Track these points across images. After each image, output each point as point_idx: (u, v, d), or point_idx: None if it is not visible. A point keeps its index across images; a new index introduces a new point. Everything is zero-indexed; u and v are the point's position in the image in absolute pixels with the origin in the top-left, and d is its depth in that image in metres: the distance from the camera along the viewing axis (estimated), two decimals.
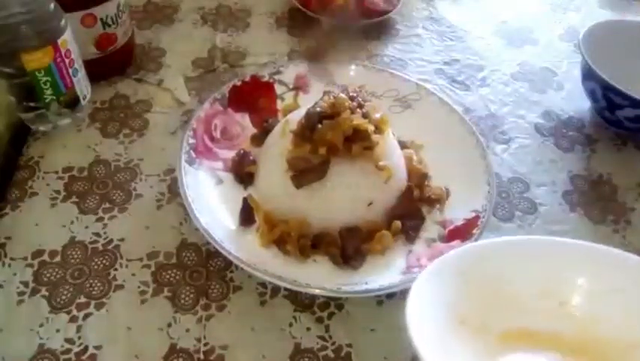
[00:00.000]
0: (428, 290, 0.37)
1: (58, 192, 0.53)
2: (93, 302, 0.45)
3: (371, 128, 0.48)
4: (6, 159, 0.56)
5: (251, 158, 0.54)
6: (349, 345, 0.44)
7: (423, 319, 0.34)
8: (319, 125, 0.47)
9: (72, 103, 0.56)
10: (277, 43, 0.71)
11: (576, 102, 0.67)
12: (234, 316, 0.45)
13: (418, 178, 0.53)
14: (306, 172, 0.47)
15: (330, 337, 0.44)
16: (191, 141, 0.53)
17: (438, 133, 0.56)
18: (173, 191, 0.53)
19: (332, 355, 0.43)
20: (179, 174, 0.49)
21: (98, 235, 0.50)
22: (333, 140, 0.46)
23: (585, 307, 0.39)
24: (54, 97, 0.54)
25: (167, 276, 0.47)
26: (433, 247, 0.49)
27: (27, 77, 0.51)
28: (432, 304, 0.37)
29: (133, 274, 0.47)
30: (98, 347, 0.43)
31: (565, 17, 0.80)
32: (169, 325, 0.44)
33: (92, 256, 0.48)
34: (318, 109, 0.48)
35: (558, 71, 0.71)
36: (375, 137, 0.48)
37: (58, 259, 0.48)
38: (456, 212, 0.51)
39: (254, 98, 0.59)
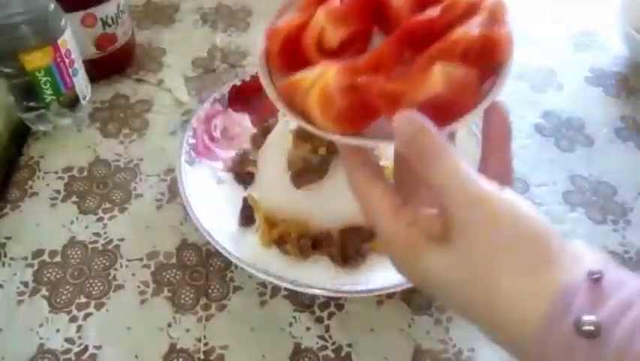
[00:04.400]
0: None
1: (58, 192, 0.53)
2: (93, 302, 0.45)
3: None
4: (6, 159, 0.56)
5: (251, 158, 0.54)
6: (349, 345, 0.44)
7: None
8: None
9: (72, 103, 0.56)
10: None
11: (576, 102, 0.67)
12: (234, 316, 0.45)
13: None
14: (306, 172, 0.47)
15: (330, 337, 0.44)
16: (191, 141, 0.53)
17: None
18: (173, 191, 0.53)
19: (332, 355, 0.43)
20: (179, 174, 0.49)
21: (98, 235, 0.50)
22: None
23: None
24: (54, 97, 0.54)
25: (167, 276, 0.47)
26: None
27: (27, 77, 0.51)
28: None
29: (133, 274, 0.47)
30: (98, 347, 0.43)
31: (566, 17, 0.80)
32: (169, 325, 0.44)
33: (92, 256, 0.48)
34: None
35: (558, 71, 0.71)
36: None
37: (58, 259, 0.48)
38: None
39: (254, 98, 0.59)
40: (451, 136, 0.29)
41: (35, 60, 0.50)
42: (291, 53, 0.32)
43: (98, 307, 0.45)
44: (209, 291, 0.46)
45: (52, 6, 0.51)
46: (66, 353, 0.42)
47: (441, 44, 0.29)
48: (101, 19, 0.58)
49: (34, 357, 0.42)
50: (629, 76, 0.70)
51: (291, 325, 0.45)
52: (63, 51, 0.52)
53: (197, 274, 0.47)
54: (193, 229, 0.48)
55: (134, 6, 0.74)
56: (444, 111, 0.28)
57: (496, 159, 0.31)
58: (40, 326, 0.44)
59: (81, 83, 0.56)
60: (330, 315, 0.46)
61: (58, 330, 0.43)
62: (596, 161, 0.60)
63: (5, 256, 0.48)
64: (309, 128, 0.30)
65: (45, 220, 0.51)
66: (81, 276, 0.47)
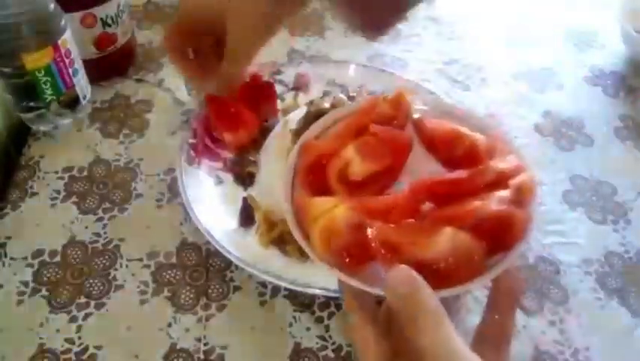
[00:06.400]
0: None
1: (58, 192, 0.53)
2: (93, 302, 0.45)
3: None
4: (6, 159, 0.56)
5: (251, 158, 0.54)
6: (349, 345, 0.44)
7: None
8: None
9: (72, 103, 0.56)
10: (277, 43, 0.71)
11: (576, 102, 0.67)
12: (234, 316, 0.45)
13: None
14: None
15: (330, 337, 0.44)
16: (191, 141, 0.53)
17: None
18: (173, 191, 0.53)
19: (332, 355, 0.43)
20: (179, 174, 0.49)
21: (98, 235, 0.50)
22: None
23: None
24: (54, 97, 0.54)
25: (167, 276, 0.47)
26: None
27: (27, 77, 0.51)
28: None
29: (133, 274, 0.47)
30: (98, 347, 0.43)
31: (566, 16, 0.80)
32: (169, 325, 0.44)
33: (92, 256, 0.48)
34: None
35: (558, 71, 0.71)
36: None
37: (58, 259, 0.48)
38: None
39: (254, 98, 0.58)
40: (454, 299, 0.29)
41: (35, 60, 0.50)
42: (316, 176, 0.33)
43: (98, 307, 0.45)
44: (209, 291, 0.46)
45: (52, 6, 0.51)
46: (66, 353, 0.42)
47: (457, 210, 0.29)
48: (101, 19, 0.58)
49: (34, 357, 0.42)
50: (629, 75, 0.70)
51: (291, 325, 0.45)
52: (63, 51, 0.52)
53: (197, 274, 0.47)
54: (193, 229, 0.48)
55: (134, 6, 0.74)
56: (441, 276, 0.28)
57: (496, 321, 0.32)
58: (40, 326, 0.44)
59: (81, 83, 0.56)
60: (330, 315, 0.46)
61: (58, 330, 0.43)
62: (596, 161, 0.60)
63: (5, 256, 0.48)
64: (310, 254, 0.30)
65: (45, 220, 0.50)
66: (81, 276, 0.47)
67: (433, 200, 0.30)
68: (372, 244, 0.29)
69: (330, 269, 0.30)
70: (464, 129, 0.34)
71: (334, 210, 0.30)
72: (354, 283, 0.29)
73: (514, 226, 0.29)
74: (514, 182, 0.30)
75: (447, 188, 0.30)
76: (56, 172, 0.54)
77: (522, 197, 0.30)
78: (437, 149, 0.34)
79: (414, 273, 0.27)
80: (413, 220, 0.30)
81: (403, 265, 0.27)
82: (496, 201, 0.29)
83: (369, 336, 0.30)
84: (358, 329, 0.31)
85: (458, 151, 0.33)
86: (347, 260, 0.30)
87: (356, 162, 0.32)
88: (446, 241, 0.28)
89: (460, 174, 0.31)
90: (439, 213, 0.29)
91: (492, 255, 0.29)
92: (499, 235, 0.29)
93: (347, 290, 0.32)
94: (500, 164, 0.31)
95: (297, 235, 0.31)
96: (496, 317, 0.32)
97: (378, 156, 0.32)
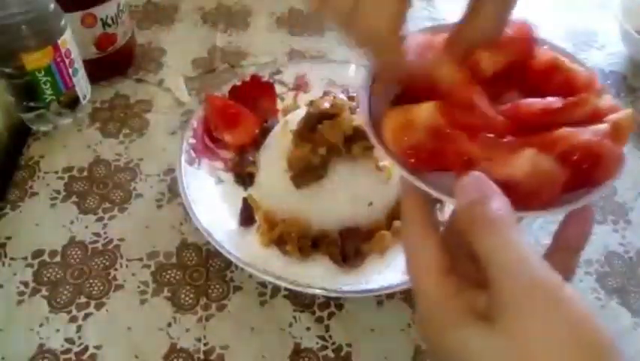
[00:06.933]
0: None
1: (58, 192, 0.53)
2: (93, 302, 0.45)
3: None
4: (6, 159, 0.56)
5: (251, 158, 0.54)
6: (349, 345, 0.44)
7: None
8: (319, 125, 0.47)
9: (72, 103, 0.56)
10: (277, 44, 0.71)
11: None
12: (234, 316, 0.45)
13: None
14: (306, 172, 0.47)
15: (330, 337, 0.44)
16: (191, 140, 0.53)
17: None
18: (173, 191, 0.53)
19: (332, 355, 0.43)
20: (179, 174, 0.49)
21: (98, 235, 0.50)
22: (333, 140, 0.46)
23: None
24: (54, 97, 0.54)
25: (167, 276, 0.47)
26: None
27: (27, 77, 0.51)
28: None
29: (133, 274, 0.47)
30: (98, 347, 0.43)
31: (566, 16, 0.80)
32: (169, 325, 0.44)
33: (92, 256, 0.48)
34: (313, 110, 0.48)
35: None
36: None
37: (58, 259, 0.48)
38: None
39: (254, 98, 0.59)
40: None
41: (35, 60, 0.50)
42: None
43: (98, 307, 0.45)
44: (209, 291, 0.46)
45: (52, 6, 0.51)
46: (66, 353, 0.42)
47: (545, 136, 0.27)
48: (101, 19, 0.58)
49: (34, 357, 0.42)
50: (629, 75, 0.70)
51: (291, 325, 0.45)
52: (63, 51, 0.52)
53: (197, 274, 0.47)
54: (193, 229, 0.48)
55: (134, 6, 0.74)
56: (515, 198, 0.26)
57: (561, 257, 0.29)
58: (40, 326, 0.44)
59: (81, 83, 0.56)
60: (330, 315, 0.46)
61: (58, 330, 0.43)
62: None
63: (5, 256, 0.48)
64: (381, 150, 0.29)
65: (45, 220, 0.51)
66: (81, 276, 0.47)
67: (522, 127, 0.28)
68: (448, 152, 0.27)
69: (406, 174, 0.28)
70: (564, 60, 0.31)
71: (419, 107, 0.27)
72: (428, 189, 0.27)
73: (604, 160, 0.27)
74: (611, 117, 0.28)
75: (540, 116, 0.28)
76: (56, 172, 0.54)
77: (618, 134, 0.28)
78: (530, 79, 0.31)
79: (486, 180, 0.25)
80: (494, 136, 0.27)
81: (478, 172, 0.25)
82: (589, 132, 0.27)
83: (430, 245, 0.27)
84: (418, 237, 0.28)
85: (554, 82, 0.30)
86: (414, 161, 0.28)
87: (485, 57, 0.30)
88: (525, 161, 0.26)
89: (556, 102, 0.28)
90: (523, 137, 0.27)
91: (574, 189, 0.27)
92: (586, 169, 0.27)
93: (408, 194, 0.29)
94: (598, 100, 0.29)
95: (368, 128, 0.29)
96: (560, 255, 0.29)
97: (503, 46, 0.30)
